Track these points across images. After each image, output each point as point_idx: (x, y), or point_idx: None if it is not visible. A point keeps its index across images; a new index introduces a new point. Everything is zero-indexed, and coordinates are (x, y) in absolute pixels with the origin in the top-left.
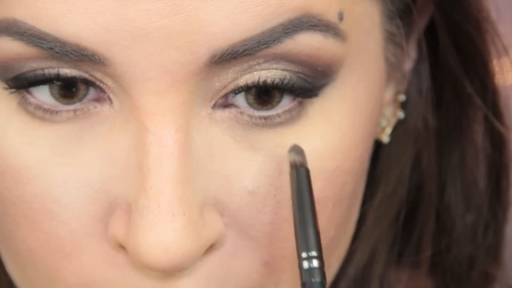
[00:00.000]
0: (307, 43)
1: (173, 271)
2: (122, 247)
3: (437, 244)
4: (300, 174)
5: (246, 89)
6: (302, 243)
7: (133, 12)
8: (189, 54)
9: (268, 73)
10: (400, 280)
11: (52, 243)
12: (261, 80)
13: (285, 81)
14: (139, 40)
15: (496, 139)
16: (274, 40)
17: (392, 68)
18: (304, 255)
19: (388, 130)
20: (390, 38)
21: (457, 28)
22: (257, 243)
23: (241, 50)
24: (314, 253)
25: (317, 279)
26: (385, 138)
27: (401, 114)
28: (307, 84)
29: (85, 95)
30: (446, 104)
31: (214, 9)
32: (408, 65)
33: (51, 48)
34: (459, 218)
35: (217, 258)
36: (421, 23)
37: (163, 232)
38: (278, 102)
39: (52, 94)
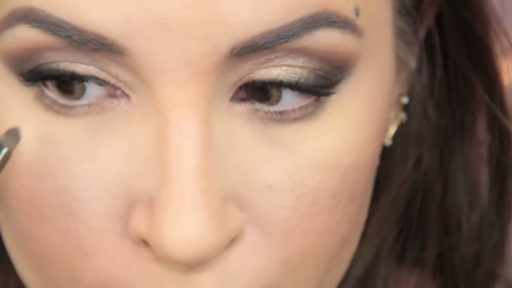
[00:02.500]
0: (326, 39)
1: (197, 264)
2: (144, 242)
3: (443, 244)
4: None
5: (260, 84)
6: None
7: (155, 2)
8: (210, 45)
9: (285, 71)
10: (405, 281)
11: (71, 241)
12: (279, 79)
13: (301, 81)
14: (159, 30)
15: (502, 137)
16: (293, 35)
17: (400, 65)
18: None
19: (391, 133)
20: (400, 35)
21: (465, 25)
22: (276, 239)
23: (261, 43)
24: None
25: None
26: (387, 141)
27: (403, 117)
28: (324, 80)
29: (82, 93)
30: (450, 103)
31: (236, 1)
32: (412, 63)
33: (69, 36)
34: (464, 218)
35: (237, 254)
36: (428, 20)
37: (188, 224)
38: (277, 101)
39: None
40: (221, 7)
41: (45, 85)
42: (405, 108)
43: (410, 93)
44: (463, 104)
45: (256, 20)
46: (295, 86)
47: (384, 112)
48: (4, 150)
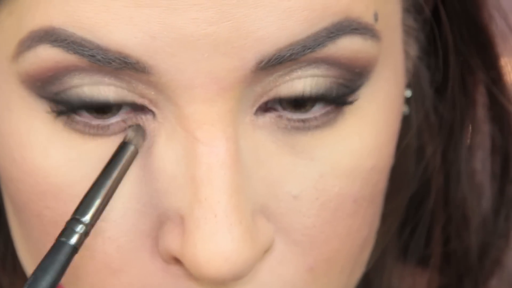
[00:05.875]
0: (348, 46)
1: (233, 280)
2: (174, 260)
3: (449, 236)
4: (125, 149)
5: (287, 99)
6: (80, 206)
7: (181, 20)
8: (236, 60)
9: (309, 82)
10: (410, 276)
11: (98, 259)
12: (305, 94)
13: (326, 93)
14: (185, 47)
15: (504, 127)
16: (318, 45)
17: (409, 62)
18: (75, 216)
19: None
20: (409, 32)
21: (467, 16)
22: (301, 248)
23: (287, 55)
24: (85, 219)
25: (71, 241)
26: None
27: (406, 110)
28: (345, 88)
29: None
30: (450, 94)
31: (262, 14)
32: (414, 52)
33: (93, 56)
34: (469, 209)
35: (266, 265)
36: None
37: (222, 242)
38: (312, 106)
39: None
40: (247, 21)
41: (75, 112)
42: (407, 100)
43: (412, 86)
44: (462, 96)
45: (282, 32)
46: (320, 99)
47: (399, 112)
48: (132, 148)
